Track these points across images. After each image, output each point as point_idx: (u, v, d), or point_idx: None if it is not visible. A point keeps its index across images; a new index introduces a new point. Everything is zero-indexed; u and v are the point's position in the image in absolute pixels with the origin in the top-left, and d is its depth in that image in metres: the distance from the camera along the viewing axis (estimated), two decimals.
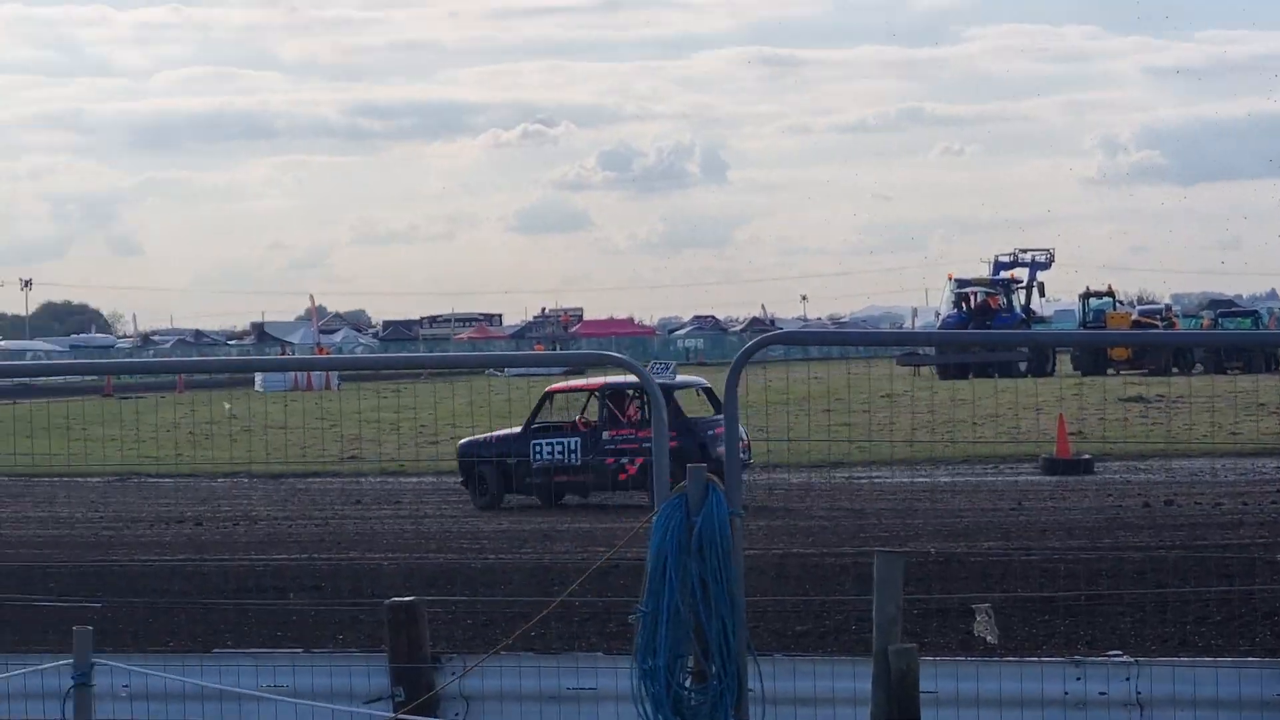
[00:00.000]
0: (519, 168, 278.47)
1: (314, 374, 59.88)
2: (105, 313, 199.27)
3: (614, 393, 28.61)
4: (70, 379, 68.17)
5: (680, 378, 29.33)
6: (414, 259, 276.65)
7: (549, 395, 29.32)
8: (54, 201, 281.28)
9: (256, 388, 60.05)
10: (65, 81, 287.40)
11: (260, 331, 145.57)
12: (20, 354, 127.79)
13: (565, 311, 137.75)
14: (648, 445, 24.74)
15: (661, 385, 31.27)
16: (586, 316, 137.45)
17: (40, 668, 10.61)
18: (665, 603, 8.64)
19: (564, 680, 11.52)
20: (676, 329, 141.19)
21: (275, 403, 40.24)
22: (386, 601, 12.15)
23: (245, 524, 25.96)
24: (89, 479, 32.48)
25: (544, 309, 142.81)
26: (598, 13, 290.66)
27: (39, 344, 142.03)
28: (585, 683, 11.44)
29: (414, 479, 31.78)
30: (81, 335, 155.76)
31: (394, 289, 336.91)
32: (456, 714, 12.14)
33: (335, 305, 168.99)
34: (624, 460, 27.54)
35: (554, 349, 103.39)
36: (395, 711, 11.98)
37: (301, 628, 16.51)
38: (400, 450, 35.51)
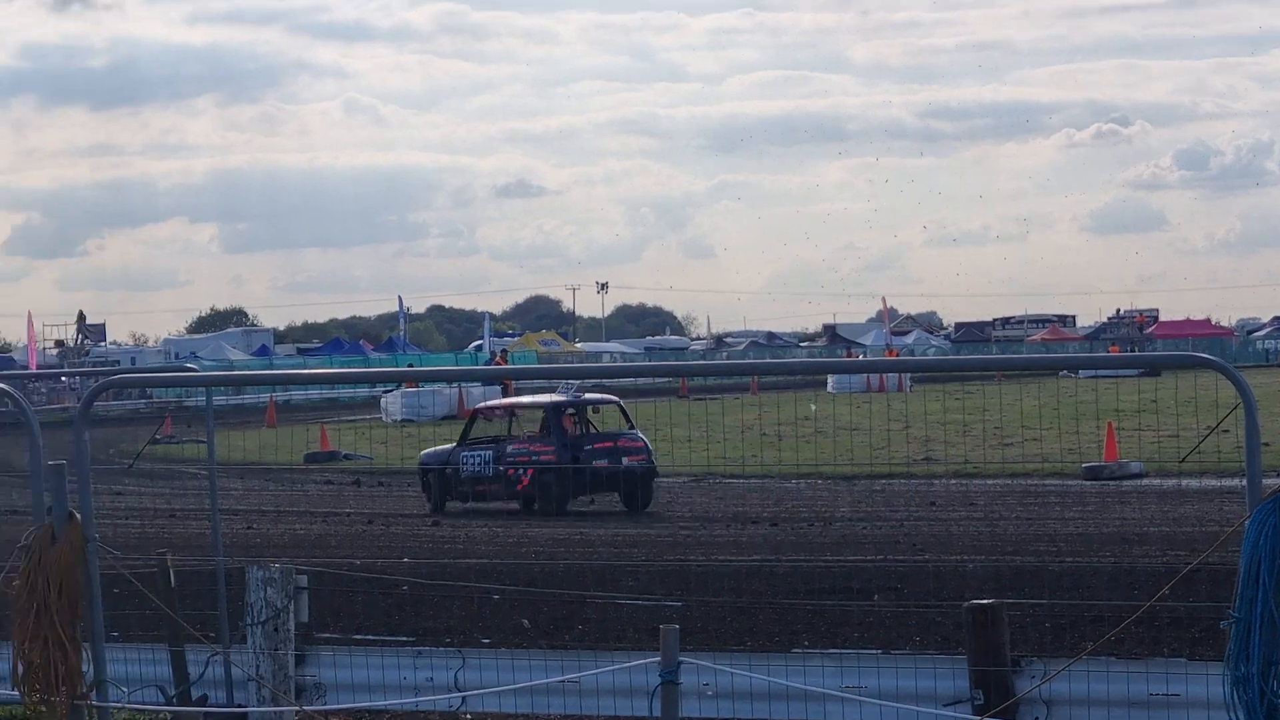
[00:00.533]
0: (1092, 167, 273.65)
1: (886, 376, 60.05)
2: (679, 315, 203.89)
3: (520, 410, 33.40)
4: (644, 381, 69.67)
5: (588, 395, 32.75)
6: (986, 260, 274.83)
7: (475, 413, 35.02)
8: (628, 205, 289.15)
9: (829, 389, 60.52)
10: (640, 87, 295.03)
11: (832, 333, 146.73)
12: (597, 355, 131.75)
13: (1140, 313, 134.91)
14: (537, 458, 30.78)
15: (562, 403, 31.56)
16: (1162, 317, 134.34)
17: (628, 665, 10.81)
18: (1259, 609, 8.33)
19: (1150, 686, 11.20)
20: (1255, 330, 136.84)
21: (847, 404, 40.48)
22: (966, 604, 12.00)
23: (820, 525, 26.07)
24: (667, 479, 33.14)
25: (1119, 310, 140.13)
26: (1173, 10, 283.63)
27: (614, 345, 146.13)
28: (1172, 688, 11.11)
29: (988, 481, 31.49)
30: (656, 337, 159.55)
31: (966, 290, 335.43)
32: (1036, 718, 11.94)
33: (907, 307, 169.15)
34: (520, 471, 30.63)
35: (1129, 351, 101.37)
36: (974, 715, 11.84)
37: (877, 629, 16.46)
38: (972, 452, 35.32)
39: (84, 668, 8.50)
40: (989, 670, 11.80)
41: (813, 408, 40.36)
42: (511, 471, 30.78)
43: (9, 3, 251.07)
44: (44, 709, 8.49)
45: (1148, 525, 24.19)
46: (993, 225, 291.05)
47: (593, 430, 32.14)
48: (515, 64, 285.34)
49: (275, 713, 13.04)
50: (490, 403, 36.11)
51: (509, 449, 31.52)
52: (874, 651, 13.43)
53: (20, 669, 8.42)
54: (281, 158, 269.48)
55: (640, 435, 31.68)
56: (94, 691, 8.55)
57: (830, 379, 62.59)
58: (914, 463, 34.43)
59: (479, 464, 31.28)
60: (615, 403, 33.11)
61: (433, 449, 32.40)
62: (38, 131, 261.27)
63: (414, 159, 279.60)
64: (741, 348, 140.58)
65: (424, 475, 32.05)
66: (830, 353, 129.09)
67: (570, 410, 31.93)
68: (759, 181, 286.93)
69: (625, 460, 30.55)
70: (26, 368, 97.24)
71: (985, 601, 12.04)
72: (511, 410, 33.44)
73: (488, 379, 60.47)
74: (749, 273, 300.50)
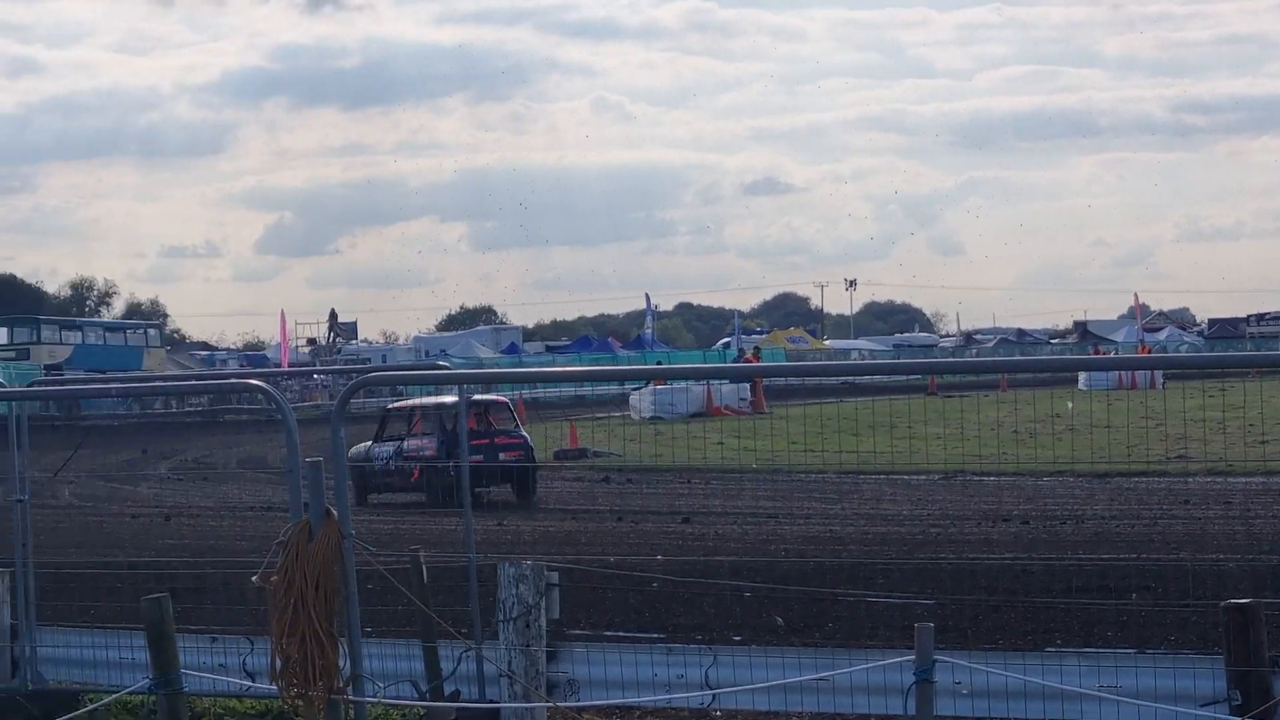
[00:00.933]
0: None
1: (1138, 373, 59.11)
2: (928, 312, 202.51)
3: (415, 410, 35.67)
4: (895, 378, 69.30)
5: (476, 397, 35.04)
6: (1240, 256, 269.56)
7: (387, 413, 37.68)
8: (876, 202, 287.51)
9: (1080, 386, 59.71)
10: (888, 84, 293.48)
11: (1083, 330, 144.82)
12: (845, 353, 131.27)
13: None
14: (422, 453, 33.65)
15: (447, 403, 31.58)
16: None
17: (883, 663, 10.75)
18: None
19: None
20: None
21: (1099, 401, 39.88)
22: (1223, 604, 11.77)
23: (1072, 523, 25.72)
24: (915, 476, 32.91)
25: None
26: None
27: (863, 343, 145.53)
28: None
29: (1243, 479, 30.85)
30: (904, 334, 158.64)
31: (1219, 286, 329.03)
32: None
33: (1158, 303, 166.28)
34: (411, 465, 33.21)
35: None
36: (1233, 715, 11.61)
37: (1131, 628, 16.19)
38: (1228, 450, 34.60)
39: (340, 663, 8.60)
40: (1248, 670, 11.57)
41: (1070, 405, 39.81)
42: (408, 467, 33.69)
43: (263, 5, 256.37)
44: (301, 703, 8.61)
45: None
46: (1246, 221, 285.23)
47: (494, 429, 35.74)
48: (763, 61, 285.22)
49: (527, 709, 13.13)
50: (395, 404, 38.85)
51: (404, 446, 34.66)
52: (1129, 651, 13.22)
53: (278, 664, 8.55)
54: (530, 156, 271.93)
55: (521, 433, 35.82)
56: (350, 686, 8.65)
57: (1081, 376, 61.71)
58: (1167, 460, 33.86)
59: (384, 459, 34.26)
60: (505, 403, 36.96)
61: (356, 446, 34.29)
62: (290, 132, 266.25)
63: (662, 156, 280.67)
64: (990, 344, 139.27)
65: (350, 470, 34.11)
66: (1080, 350, 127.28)
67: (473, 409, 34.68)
68: (1008, 177, 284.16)
69: (502, 455, 34.00)
70: (279, 365, 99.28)
71: (1243, 601, 11.80)
72: (412, 411, 36.03)
73: (735, 377, 60.52)
74: (998, 269, 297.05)
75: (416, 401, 36.61)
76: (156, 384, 33.89)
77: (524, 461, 33.78)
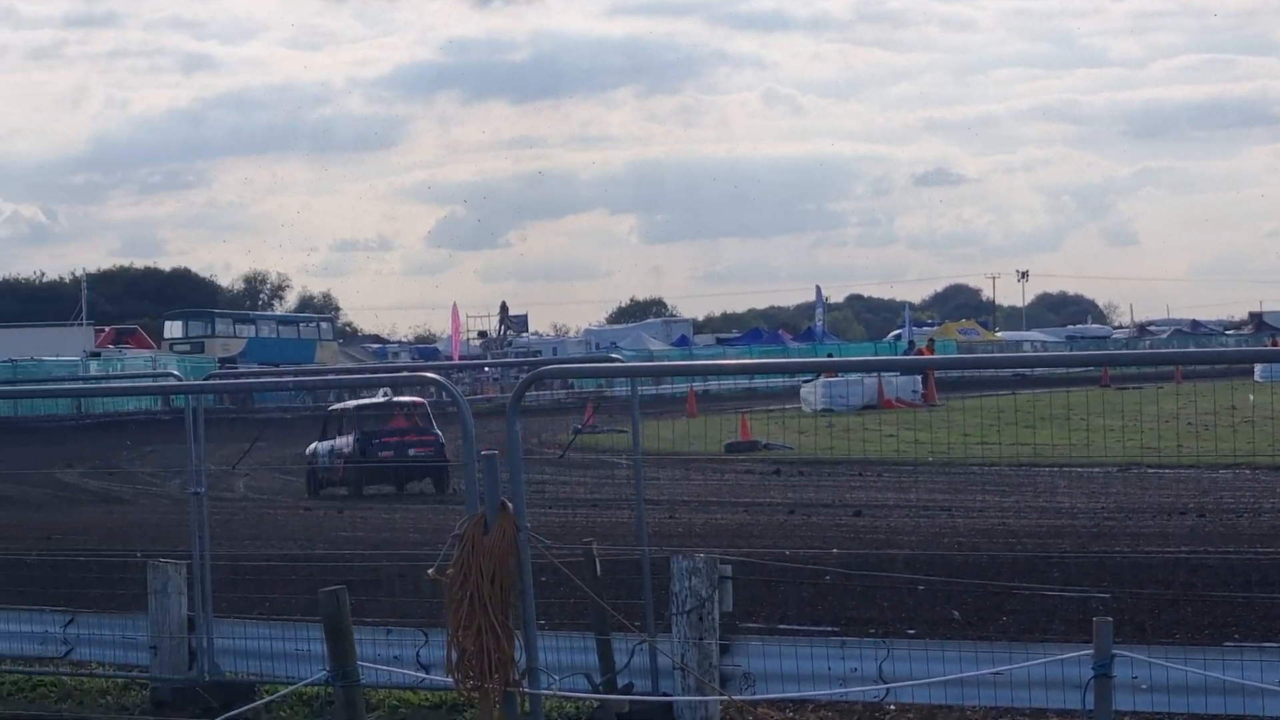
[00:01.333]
0: None
1: None
2: (1100, 303, 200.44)
3: (340, 412, 40.28)
4: (1067, 371, 68.62)
5: (396, 399, 39.39)
6: None
7: (329, 414, 41.31)
8: (1049, 193, 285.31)
9: (1256, 378, 58.79)
10: (1060, 73, 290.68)
11: (1259, 321, 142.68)
12: (1017, 345, 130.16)
13: None
14: (343, 451, 37.84)
15: (371, 404, 38.54)
16: None
17: (1060, 658, 10.65)
18: None
19: None
20: None
21: (1277, 393, 39.23)
22: None
23: (1249, 516, 25.33)
24: (1089, 469, 32.53)
25: None
26: None
27: (1035, 334, 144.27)
28: None
29: None
30: (1077, 326, 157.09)
31: None
32: None
33: None
34: (338, 462, 36.98)
35: None
36: None
37: None
38: None
39: (515, 656, 8.63)
40: None
41: (1250, 398, 39.22)
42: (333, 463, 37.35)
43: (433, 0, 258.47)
44: (477, 696, 8.65)
45: None
46: None
47: (417, 427, 39.25)
48: (934, 51, 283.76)
49: (701, 702, 13.13)
50: (335, 406, 42.33)
51: (335, 444, 38.52)
52: None
53: (454, 656, 8.59)
54: (701, 148, 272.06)
55: (434, 431, 38.82)
56: (526, 679, 8.68)
57: (1257, 368, 60.73)
58: None
59: (324, 457, 37.98)
60: (421, 404, 40.20)
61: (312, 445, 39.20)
62: (461, 126, 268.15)
63: (832, 148, 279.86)
64: (1165, 336, 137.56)
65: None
66: (1257, 341, 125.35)
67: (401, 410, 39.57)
68: (1183, 167, 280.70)
69: (412, 451, 37.57)
70: (450, 358, 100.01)
71: None
72: (343, 413, 40.22)
73: (906, 369, 60.18)
74: (1172, 260, 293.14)
75: (343, 405, 40.80)
76: (330, 378, 34.36)
77: (436, 459, 37.09)
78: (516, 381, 10.03)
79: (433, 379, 9.36)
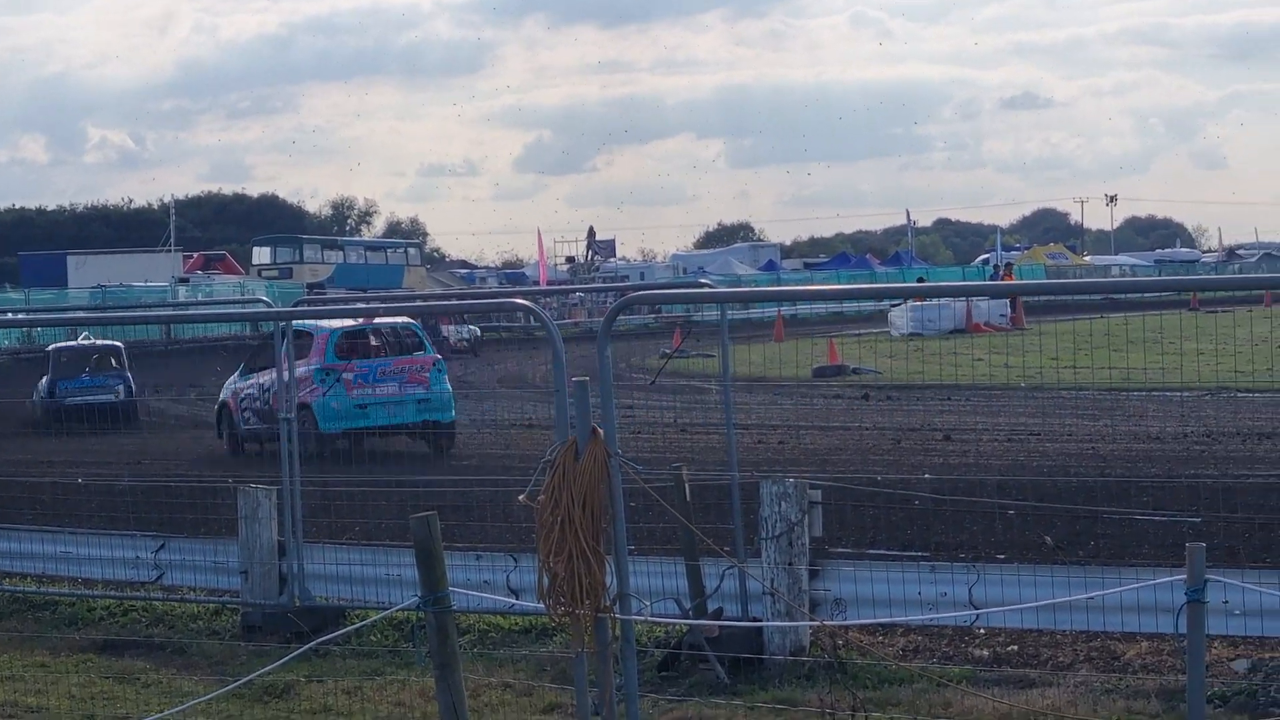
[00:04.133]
0: None
1: None
2: (1190, 227, 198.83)
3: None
4: (1152, 295, 68.16)
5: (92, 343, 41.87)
6: None
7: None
8: (1138, 116, 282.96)
9: None
10: None
11: None
12: (1105, 269, 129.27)
13: None
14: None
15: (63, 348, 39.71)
16: None
17: (1153, 582, 10.61)
18: None
19: None
20: None
21: None
22: None
23: None
24: (1178, 393, 32.30)
25: None
26: None
27: (1124, 258, 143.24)
28: None
29: None
30: (1166, 250, 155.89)
31: None
32: None
33: None
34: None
35: None
36: None
37: None
38: None
39: (606, 581, 8.66)
40: None
41: None
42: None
43: None
44: (568, 620, 8.68)
45: None
46: None
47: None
48: None
49: (791, 627, 13.15)
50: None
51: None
52: None
53: (545, 582, 8.62)
54: (788, 73, 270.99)
55: (124, 375, 41.03)
56: (617, 604, 8.71)
57: None
58: None
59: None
60: (117, 348, 42.28)
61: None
62: (549, 50, 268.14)
63: (921, 72, 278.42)
64: (1254, 260, 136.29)
65: None
66: None
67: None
68: (1273, 90, 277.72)
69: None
70: (537, 284, 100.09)
71: None
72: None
73: (995, 294, 59.81)
74: (1262, 184, 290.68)
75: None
76: (419, 303, 34.10)
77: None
78: (604, 307, 10.03)
79: (523, 305, 9.36)
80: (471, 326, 62.67)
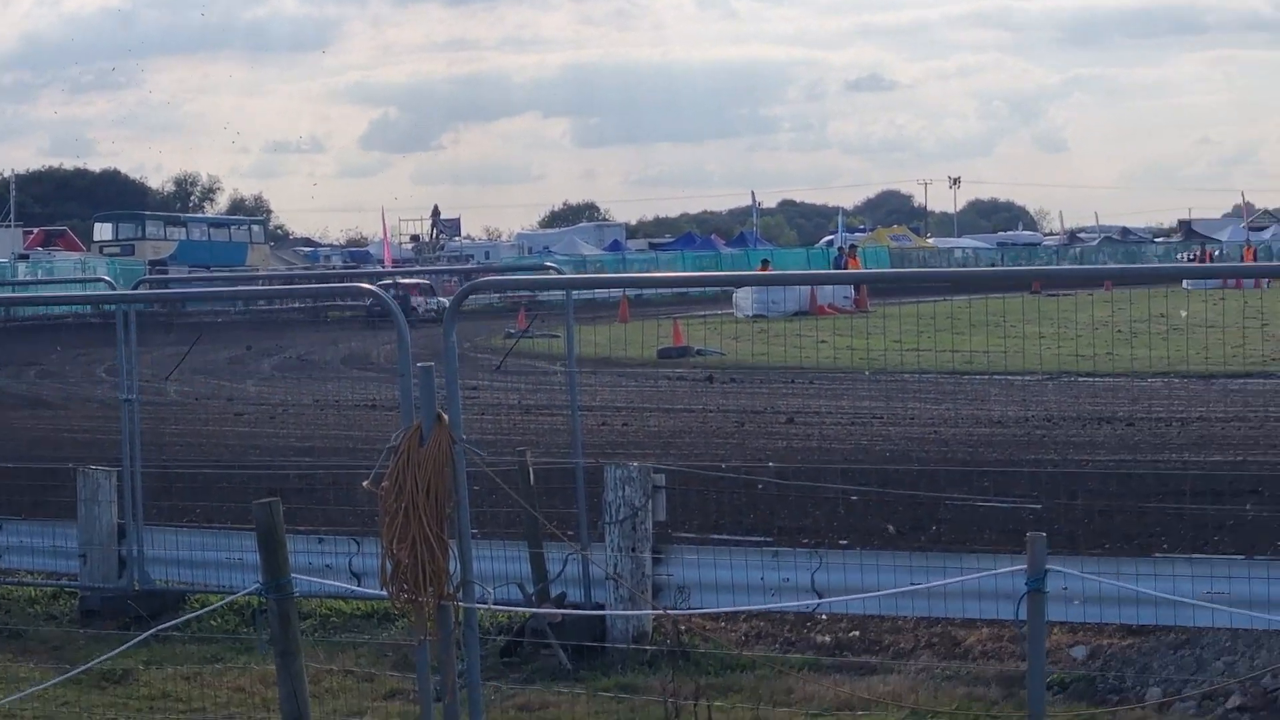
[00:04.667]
0: None
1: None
2: (1031, 210, 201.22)
3: None
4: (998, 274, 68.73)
5: None
6: None
7: None
8: (982, 99, 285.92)
9: (1184, 286, 59.08)
10: None
11: (1188, 229, 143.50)
12: (949, 251, 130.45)
13: None
14: None
15: None
16: None
17: (994, 572, 10.71)
18: None
19: None
20: None
21: (1203, 301, 39.46)
22: None
23: (1177, 425, 25.49)
24: (1019, 377, 32.65)
25: None
26: None
27: (967, 241, 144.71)
28: None
29: None
30: (1008, 233, 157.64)
31: None
32: None
33: (1264, 202, 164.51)
34: None
35: None
36: None
37: (1237, 532, 16.03)
38: None
39: (450, 568, 8.62)
40: None
41: (1184, 314, 39.45)
42: None
43: None
44: (411, 608, 8.63)
45: None
46: None
47: None
48: None
49: (634, 614, 13.15)
50: None
51: None
52: (1238, 558, 13.10)
53: (389, 568, 8.57)
54: (635, 52, 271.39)
55: None
56: (460, 591, 8.67)
57: (1185, 282, 60.96)
58: (1273, 360, 33.48)
59: None
60: None
61: None
62: (395, 27, 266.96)
63: (766, 53, 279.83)
64: (1095, 244, 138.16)
65: None
66: (1185, 248, 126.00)
67: None
68: (1113, 75, 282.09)
69: None
70: (382, 262, 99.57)
71: None
72: None
73: (836, 283, 60.11)
74: (1102, 167, 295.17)
75: None
76: (263, 286, 33.69)
77: None
78: (451, 285, 9.96)
79: (370, 289, 9.29)
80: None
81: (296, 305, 61.55)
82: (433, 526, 8.36)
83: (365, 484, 8.63)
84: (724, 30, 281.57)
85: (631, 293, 66.70)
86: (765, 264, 75.16)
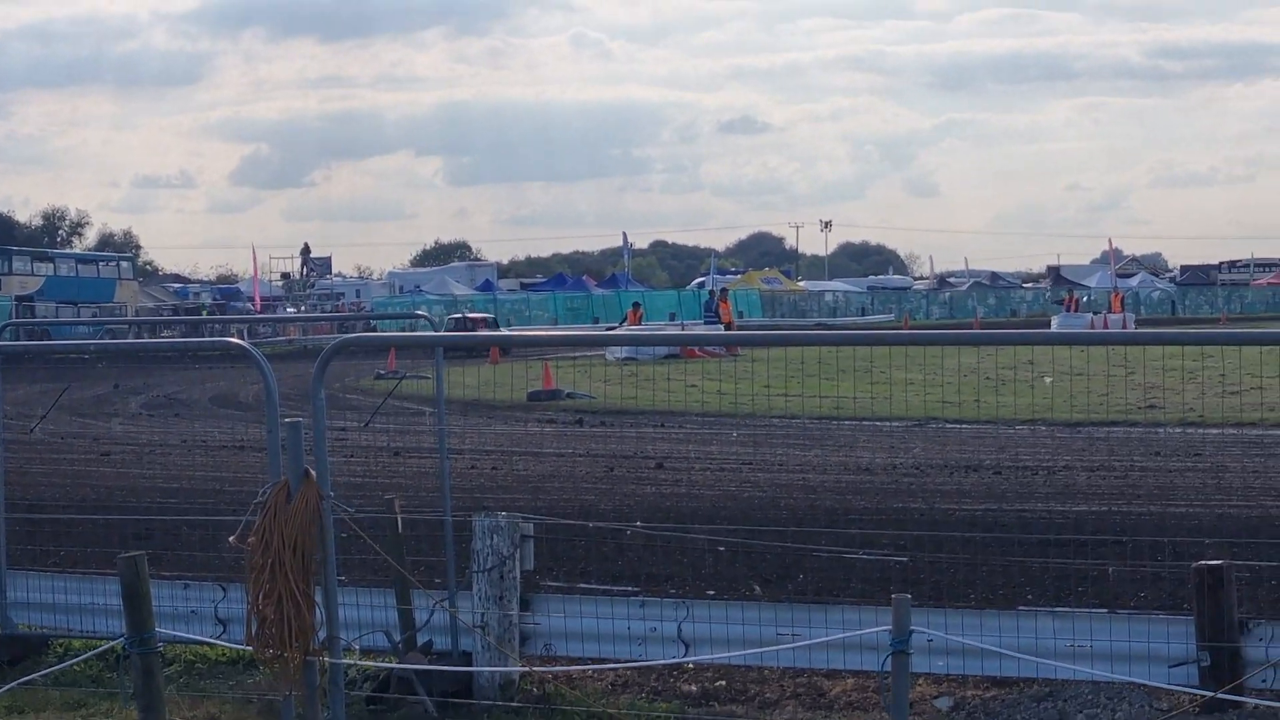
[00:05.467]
0: None
1: (1109, 318, 59.17)
2: (902, 254, 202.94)
3: None
4: (869, 321, 69.39)
5: None
6: (1213, 202, 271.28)
7: None
8: (853, 143, 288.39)
9: (1054, 327, 59.74)
10: (868, 24, 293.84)
11: (1056, 275, 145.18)
12: (819, 295, 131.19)
13: None
14: None
15: None
16: None
17: (859, 633, 10.80)
18: None
19: None
20: None
21: (1074, 349, 39.88)
22: (1194, 565, 11.82)
23: (1044, 473, 25.75)
24: (888, 423, 32.89)
25: None
26: None
27: (837, 284, 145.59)
28: None
29: (1215, 430, 30.89)
30: (879, 277, 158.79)
31: (1192, 233, 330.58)
32: (1264, 681, 11.74)
33: (1132, 248, 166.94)
34: None
35: None
36: (1201, 679, 11.65)
37: (1102, 583, 16.24)
38: (1198, 400, 34.64)
39: (316, 624, 8.59)
40: (1216, 632, 11.64)
41: (1047, 381, 39.91)
42: None
43: None
44: (276, 663, 8.60)
45: None
46: (1220, 167, 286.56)
47: None
48: (743, 0, 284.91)
49: (500, 660, 13.15)
50: None
51: None
52: (1100, 611, 13.27)
53: (254, 624, 8.53)
54: (508, 91, 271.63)
55: None
56: (326, 647, 8.65)
57: (1054, 321, 61.79)
58: (1138, 410, 33.88)
59: None
60: None
61: None
62: (268, 64, 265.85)
63: (640, 94, 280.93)
64: (964, 288, 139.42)
65: None
66: (1054, 294, 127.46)
67: None
68: (985, 120, 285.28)
69: None
70: (251, 299, 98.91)
71: (1213, 562, 11.87)
72: None
73: (713, 341, 60.25)
74: (973, 212, 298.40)
75: None
76: (134, 342, 33.37)
77: None
78: (321, 326, 9.93)
79: (237, 345, 9.24)
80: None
81: (166, 340, 60.94)
82: (299, 583, 8.33)
83: (232, 539, 8.59)
84: (598, 71, 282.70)
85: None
86: (636, 306, 75.21)
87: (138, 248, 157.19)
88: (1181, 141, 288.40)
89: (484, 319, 65.24)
